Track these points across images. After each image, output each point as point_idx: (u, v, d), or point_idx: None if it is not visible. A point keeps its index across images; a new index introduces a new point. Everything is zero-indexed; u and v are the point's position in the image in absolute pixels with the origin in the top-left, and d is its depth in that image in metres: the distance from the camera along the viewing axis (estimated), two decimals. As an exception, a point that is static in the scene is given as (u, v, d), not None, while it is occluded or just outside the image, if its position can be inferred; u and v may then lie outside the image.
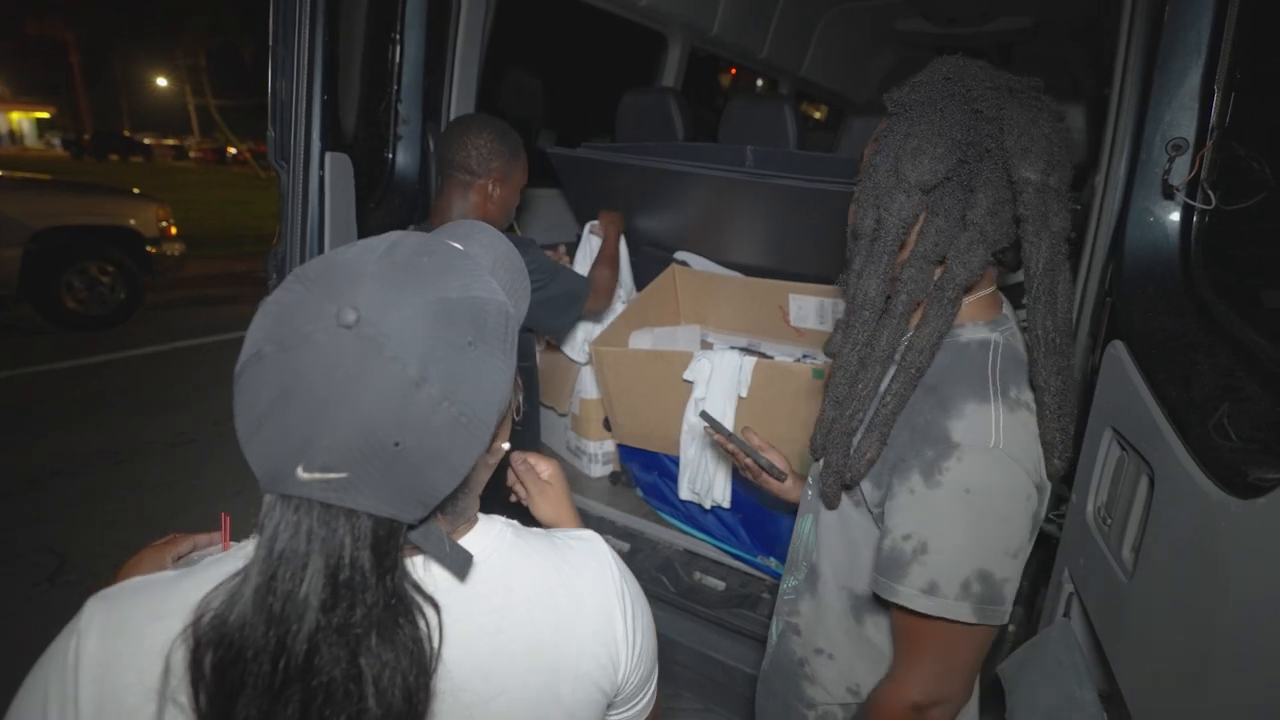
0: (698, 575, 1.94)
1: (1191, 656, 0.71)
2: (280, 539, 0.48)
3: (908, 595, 0.80)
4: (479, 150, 1.59)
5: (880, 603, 0.91)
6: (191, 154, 32.72)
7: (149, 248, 5.91)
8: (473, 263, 0.55)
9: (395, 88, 1.86)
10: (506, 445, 0.61)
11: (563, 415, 2.37)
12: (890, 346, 0.85)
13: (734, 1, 3.31)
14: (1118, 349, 1.01)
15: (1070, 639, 1.00)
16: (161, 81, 29.90)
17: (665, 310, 2.25)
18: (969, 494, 0.77)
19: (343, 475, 0.47)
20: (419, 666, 0.50)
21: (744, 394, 1.72)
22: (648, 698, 0.71)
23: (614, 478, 2.31)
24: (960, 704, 0.84)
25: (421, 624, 0.51)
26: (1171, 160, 1.01)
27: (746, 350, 1.87)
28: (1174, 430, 0.79)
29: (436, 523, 0.56)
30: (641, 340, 2.09)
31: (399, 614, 0.50)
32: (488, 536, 0.61)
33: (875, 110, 2.38)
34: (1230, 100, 0.96)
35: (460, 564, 0.55)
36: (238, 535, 0.65)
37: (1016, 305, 0.93)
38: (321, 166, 1.30)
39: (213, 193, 17.17)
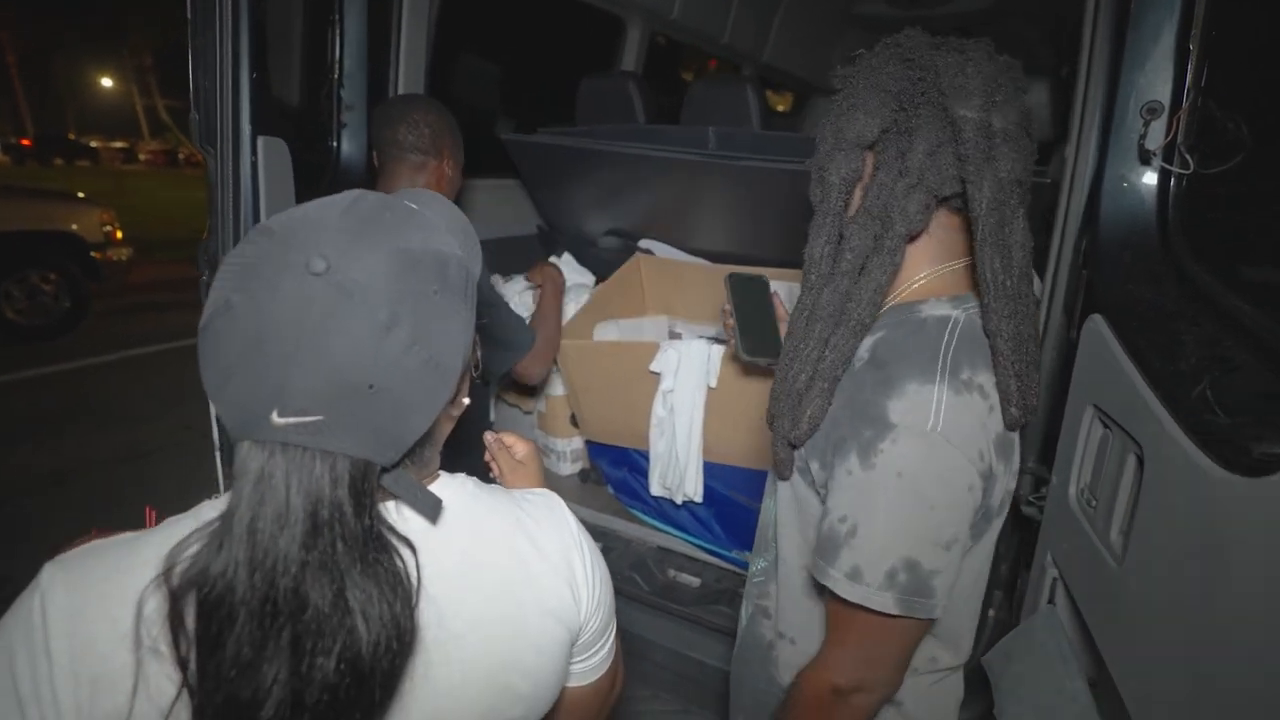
0: (672, 573, 1.88)
1: (1190, 642, 0.66)
2: (259, 483, 0.49)
3: (834, 579, 0.77)
4: (431, 128, 1.50)
5: None
6: (141, 157, 31.60)
7: (94, 253, 5.65)
8: (430, 221, 0.56)
9: (337, 73, 1.76)
10: (466, 400, 0.63)
11: (528, 413, 2.29)
12: (833, 304, 0.81)
13: (693, -16, 3.24)
14: (1096, 322, 0.97)
15: (1056, 627, 0.96)
16: (107, 82, 28.80)
17: (630, 301, 2.18)
18: (900, 478, 0.74)
19: (318, 418, 0.48)
20: (402, 599, 0.52)
21: (713, 384, 1.66)
22: (607, 648, 0.74)
23: (584, 475, 2.24)
24: (886, 693, 0.81)
25: (399, 562, 0.53)
26: (1147, 124, 0.97)
27: (715, 340, 1.81)
28: (1164, 406, 0.74)
29: (404, 470, 0.57)
30: (607, 332, 2.02)
31: (378, 551, 0.52)
32: (450, 487, 0.63)
33: (834, 91, 2.34)
34: (1206, 60, 0.92)
35: (430, 507, 0.58)
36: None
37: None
38: (254, 151, 1.19)
39: (164, 195, 16.58)
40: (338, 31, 1.74)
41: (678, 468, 1.74)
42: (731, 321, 1.18)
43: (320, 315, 0.47)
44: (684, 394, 1.67)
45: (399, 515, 0.58)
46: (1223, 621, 0.61)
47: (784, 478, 0.95)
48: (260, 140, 1.21)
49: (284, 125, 1.35)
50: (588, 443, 2.12)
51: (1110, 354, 0.90)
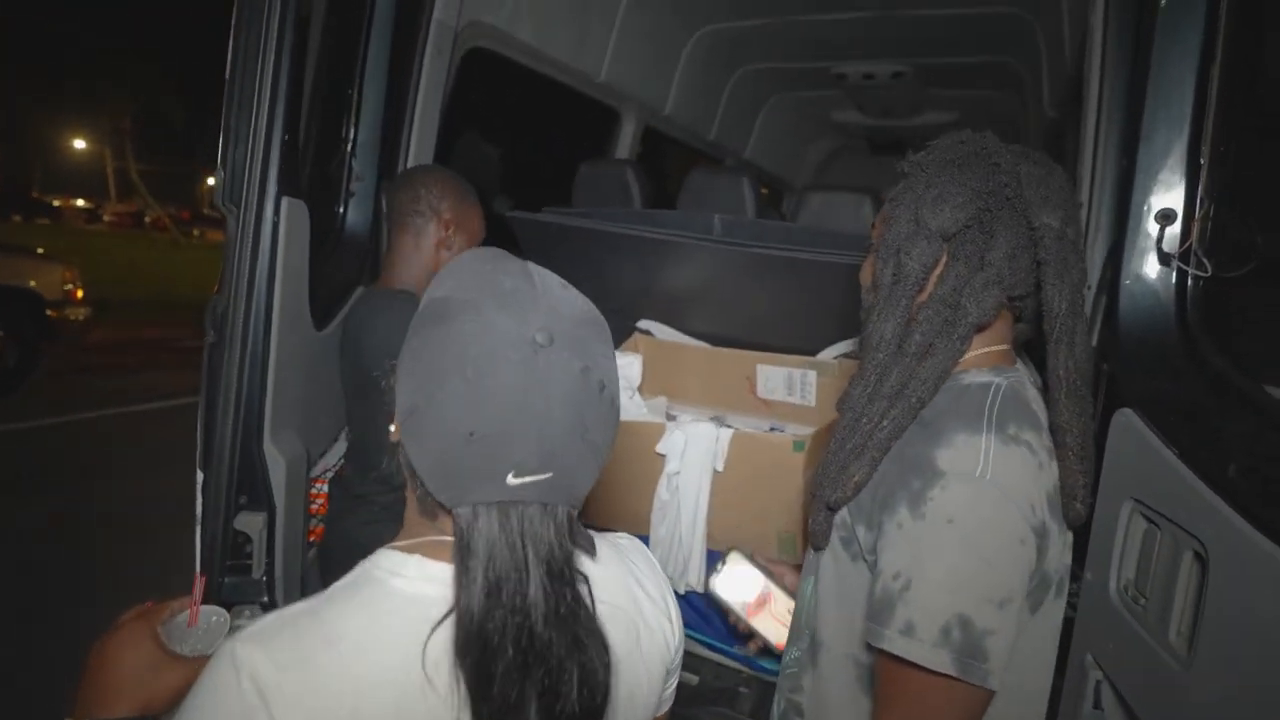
0: (668, 668, 1.77)
1: None
2: (497, 540, 0.54)
3: (888, 638, 0.73)
4: (428, 189, 1.51)
5: None
6: (106, 217, 31.21)
7: (50, 311, 5.44)
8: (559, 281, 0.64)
9: (351, 143, 1.77)
10: None
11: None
12: (899, 384, 0.83)
13: (685, 84, 3.44)
14: (1128, 416, 0.98)
15: (1108, 735, 0.92)
16: (80, 144, 28.70)
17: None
18: (951, 524, 0.73)
19: (548, 475, 0.54)
20: (601, 637, 0.57)
21: (720, 468, 1.62)
22: (673, 688, 0.77)
23: (572, 560, 2.14)
24: None
25: (586, 597, 0.58)
26: (1162, 230, 1.02)
27: (720, 422, 1.79)
28: (1224, 500, 0.74)
29: None
30: (605, 410, 1.98)
31: (580, 593, 0.57)
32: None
33: (827, 187, 2.45)
34: (1217, 171, 0.98)
35: (591, 546, 0.62)
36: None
37: (1040, 367, 0.91)
38: (276, 212, 1.18)
39: (127, 256, 16.28)
40: (355, 103, 1.77)
41: (680, 555, 1.67)
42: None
43: (549, 382, 0.54)
44: (689, 477, 1.63)
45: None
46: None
47: (819, 547, 0.93)
48: (284, 201, 1.19)
49: (304, 188, 1.34)
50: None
51: (1150, 447, 0.91)
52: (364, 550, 0.61)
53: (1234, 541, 0.71)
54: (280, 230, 1.19)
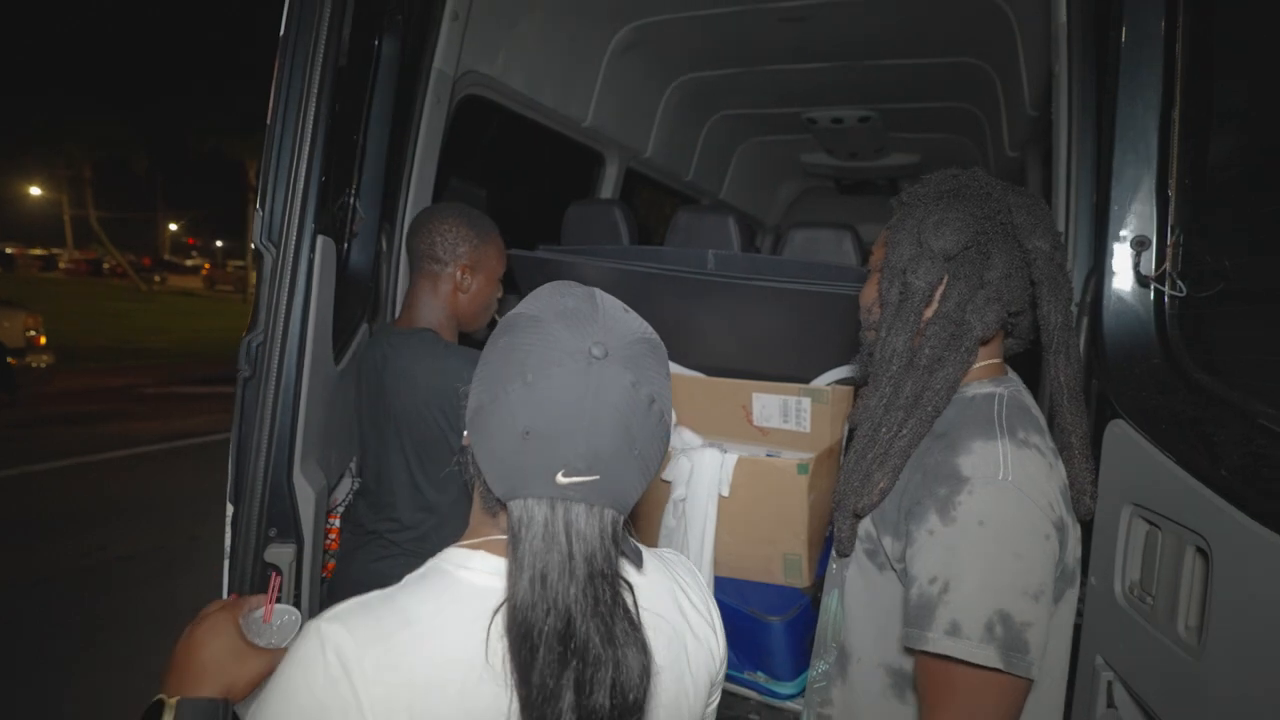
0: (677, 699, 1.77)
1: None
2: (546, 535, 0.57)
3: (933, 640, 0.77)
4: (443, 236, 1.52)
5: None
6: (61, 265, 30.43)
7: (9, 359, 5.27)
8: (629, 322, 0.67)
9: (355, 185, 1.82)
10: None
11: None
12: (914, 395, 0.90)
13: (664, 128, 3.58)
14: (1121, 427, 1.05)
15: (1125, 731, 0.96)
16: (35, 190, 28.13)
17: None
18: (983, 526, 0.78)
19: (595, 477, 0.57)
20: (641, 640, 0.59)
21: (725, 492, 1.66)
22: (716, 703, 0.78)
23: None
24: None
25: (631, 602, 0.60)
26: (1138, 254, 1.11)
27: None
28: (1225, 498, 0.80)
29: None
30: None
31: (622, 597, 0.60)
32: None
33: (811, 224, 2.56)
34: (1184, 200, 1.08)
35: (639, 556, 0.67)
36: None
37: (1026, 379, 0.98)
38: (313, 249, 1.21)
39: (85, 305, 15.85)
40: (360, 147, 1.82)
41: (689, 581, 1.69)
42: None
43: (602, 392, 0.57)
44: (696, 503, 1.66)
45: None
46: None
47: (845, 553, 0.98)
48: (319, 239, 1.23)
49: (334, 226, 1.38)
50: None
51: (1145, 454, 0.98)
52: (370, 586, 0.64)
53: (1236, 534, 0.78)
54: (315, 267, 1.22)
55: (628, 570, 0.65)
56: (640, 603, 0.63)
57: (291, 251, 1.14)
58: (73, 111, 22.07)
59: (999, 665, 0.74)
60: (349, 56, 1.65)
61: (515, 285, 2.47)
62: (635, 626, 0.59)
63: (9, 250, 28.67)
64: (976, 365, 0.95)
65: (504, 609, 0.57)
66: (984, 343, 0.92)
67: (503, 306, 2.61)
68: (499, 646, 0.57)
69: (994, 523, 0.78)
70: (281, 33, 1.23)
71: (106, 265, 29.86)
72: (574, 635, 0.55)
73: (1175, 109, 1.10)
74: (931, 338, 0.90)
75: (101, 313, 14.59)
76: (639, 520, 1.78)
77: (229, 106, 21.91)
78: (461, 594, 0.61)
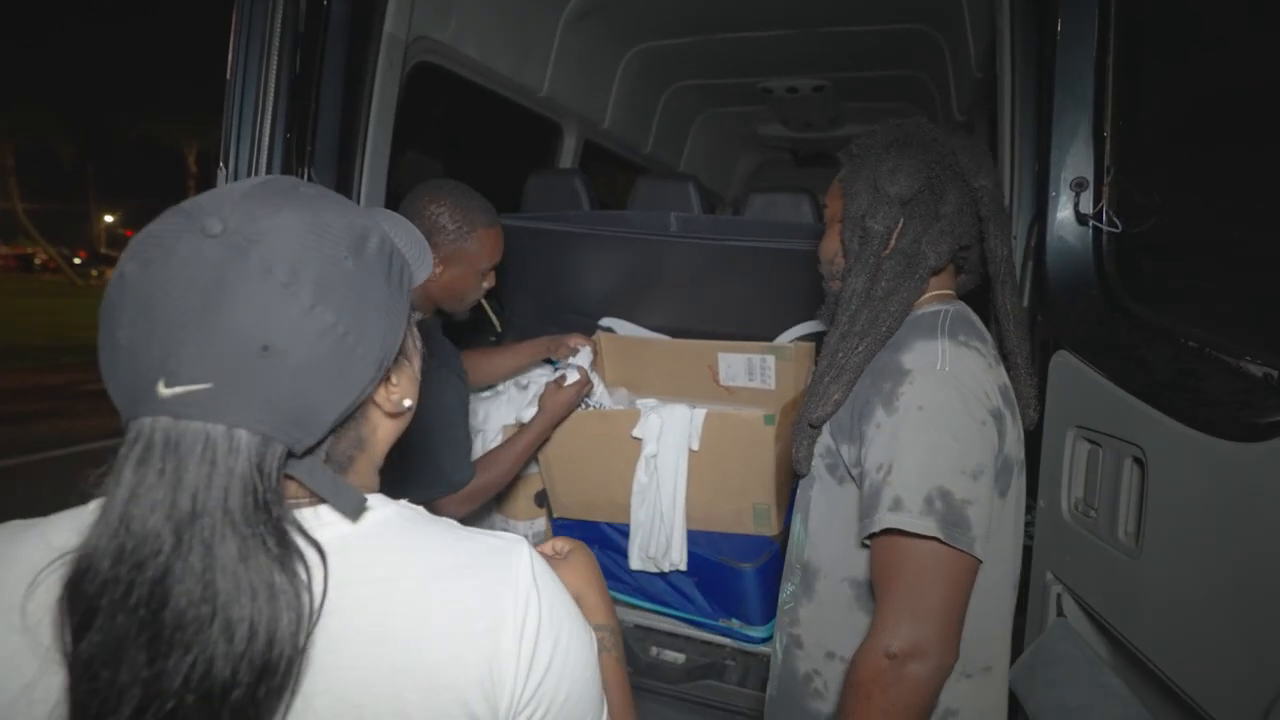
0: (655, 650, 1.82)
1: (1227, 592, 0.75)
2: (141, 463, 0.45)
3: (878, 520, 0.82)
4: (421, 224, 1.46)
5: None
6: (-13, 262, 28.81)
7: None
8: (357, 207, 0.54)
9: (309, 154, 1.78)
10: (409, 402, 0.58)
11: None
12: (869, 321, 0.95)
13: (621, 100, 3.57)
14: (1064, 357, 1.12)
15: (1073, 635, 1.04)
16: (-47, 184, 26.46)
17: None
18: (922, 410, 0.85)
19: (206, 386, 0.44)
20: (290, 616, 0.45)
21: (695, 447, 1.70)
22: None
23: (547, 559, 2.15)
24: (942, 663, 0.79)
25: (300, 572, 0.47)
26: (1077, 195, 1.18)
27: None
28: (1157, 409, 0.87)
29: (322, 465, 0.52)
30: (573, 408, 2.03)
31: (277, 554, 0.46)
32: (382, 507, 0.55)
33: (769, 189, 2.60)
34: (1118, 143, 1.14)
35: (351, 504, 0.51)
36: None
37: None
38: None
39: (17, 302, 15.05)
40: (313, 115, 1.77)
41: (662, 534, 1.73)
42: None
43: (212, 275, 0.45)
44: (667, 458, 1.69)
45: (315, 519, 0.51)
46: (1262, 575, 0.71)
47: (802, 472, 1.03)
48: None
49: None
50: (553, 522, 2.07)
51: (1086, 379, 1.04)
52: None
53: (1168, 439, 0.84)
54: None
55: (322, 529, 0.50)
56: (335, 573, 0.48)
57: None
58: (-11, 95, 20.79)
59: (938, 535, 0.79)
60: (301, 16, 1.60)
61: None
62: (275, 595, 0.45)
63: (-72, 247, 27.02)
64: (930, 294, 1.01)
65: (63, 561, 0.45)
66: (935, 273, 0.98)
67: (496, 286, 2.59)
68: (48, 595, 0.45)
69: (932, 405, 0.84)
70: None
71: (38, 260, 28.36)
72: (143, 588, 0.43)
73: (1109, 55, 1.16)
74: (888, 271, 0.95)
75: (35, 310, 13.88)
76: (610, 482, 1.81)
77: (156, 90, 20.92)
78: (64, 525, 0.51)
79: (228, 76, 1.16)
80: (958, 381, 0.86)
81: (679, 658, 1.79)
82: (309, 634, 0.46)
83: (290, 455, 0.48)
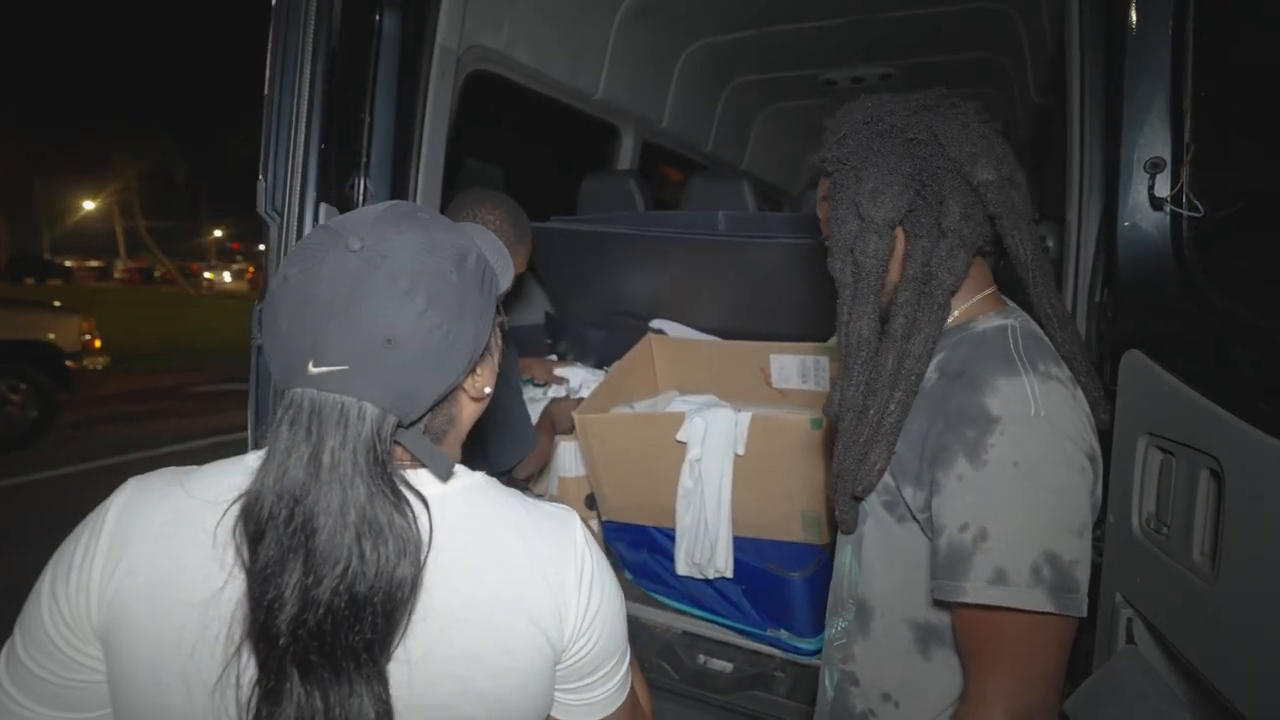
0: (702, 659, 1.78)
1: None
2: (294, 423, 0.57)
3: (975, 590, 0.73)
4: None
5: (951, 630, 0.84)
6: (116, 275, 31.82)
7: (68, 362, 5.53)
8: (461, 229, 0.66)
9: (365, 164, 1.84)
10: (489, 389, 0.70)
11: (539, 497, 2.23)
12: (895, 367, 0.84)
13: (679, 98, 3.53)
14: (1136, 357, 1.01)
15: (1142, 665, 0.93)
16: (89, 205, 29.38)
17: (643, 381, 2.19)
18: (1017, 468, 0.74)
19: (344, 367, 0.57)
20: (408, 551, 0.58)
21: (741, 451, 1.65)
22: (608, 690, 0.72)
23: (598, 561, 2.15)
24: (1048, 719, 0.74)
25: (410, 514, 0.59)
26: (1153, 177, 1.06)
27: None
28: (1239, 418, 0.77)
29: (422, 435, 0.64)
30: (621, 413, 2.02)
31: (391, 501, 0.58)
32: (466, 475, 0.68)
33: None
34: (1199, 117, 1.02)
35: (443, 466, 0.64)
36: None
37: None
38: (316, 217, 1.24)
39: (138, 310, 16.54)
40: (368, 125, 1.84)
41: (707, 541, 1.69)
42: None
43: (352, 282, 0.57)
44: (712, 463, 1.66)
45: (416, 478, 0.63)
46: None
47: (849, 531, 0.95)
48: (322, 207, 1.26)
49: (335, 195, 1.41)
50: (604, 525, 2.06)
51: (1160, 382, 0.94)
52: None
53: (1249, 451, 0.74)
54: None
55: (422, 486, 0.62)
56: (437, 529, 0.61)
57: (295, 220, 1.17)
58: (116, 130, 22.98)
59: (1050, 609, 0.71)
60: (350, 32, 1.67)
61: (531, 263, 2.49)
62: (392, 533, 0.57)
63: (68, 263, 30.08)
64: (974, 300, 0.91)
65: (241, 496, 0.58)
66: (954, 292, 0.87)
67: (521, 284, 2.63)
68: (230, 523, 0.58)
69: (1030, 461, 0.74)
70: (274, 2, 1.25)
71: (157, 273, 31.14)
72: (297, 519, 0.55)
73: (1189, 20, 1.04)
74: (903, 305, 0.85)
75: (153, 317, 15.20)
76: (656, 485, 1.79)
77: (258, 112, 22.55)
78: (233, 471, 0.63)
79: (265, 91, 1.21)
80: (1054, 429, 0.75)
81: (727, 666, 1.74)
82: (424, 559, 0.59)
83: (399, 426, 0.60)
